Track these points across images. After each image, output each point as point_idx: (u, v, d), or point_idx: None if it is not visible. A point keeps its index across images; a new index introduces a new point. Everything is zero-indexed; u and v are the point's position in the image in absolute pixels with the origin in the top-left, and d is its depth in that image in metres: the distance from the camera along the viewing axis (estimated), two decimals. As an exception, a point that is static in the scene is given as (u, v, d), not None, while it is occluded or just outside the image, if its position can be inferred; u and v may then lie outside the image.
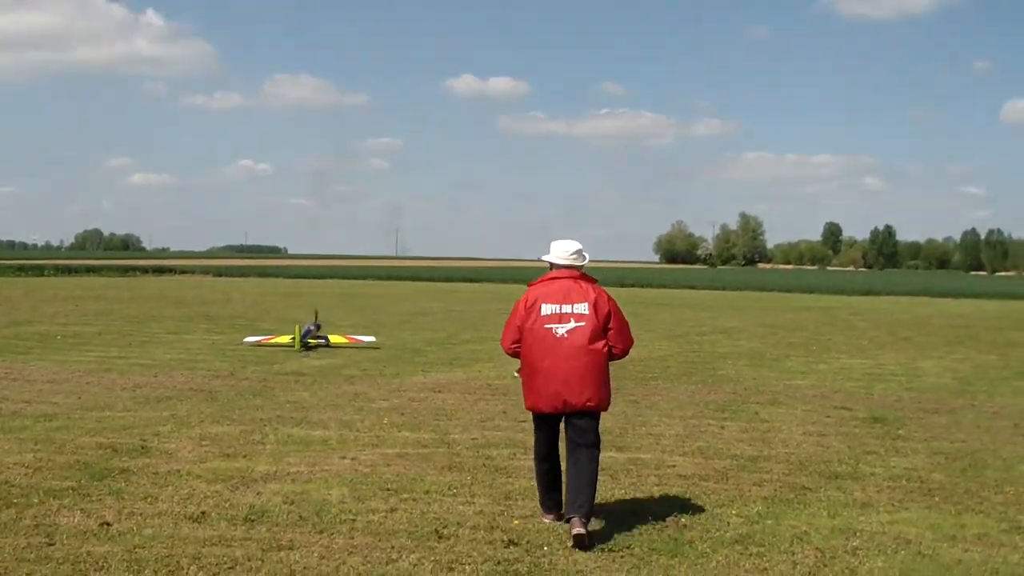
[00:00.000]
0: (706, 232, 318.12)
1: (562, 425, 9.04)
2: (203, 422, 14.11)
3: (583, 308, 8.89)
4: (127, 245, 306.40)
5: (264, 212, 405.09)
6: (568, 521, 8.65)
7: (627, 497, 10.14)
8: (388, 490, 10.18)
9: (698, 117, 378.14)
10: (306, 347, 25.28)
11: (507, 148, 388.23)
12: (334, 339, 26.56)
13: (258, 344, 26.08)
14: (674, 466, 11.70)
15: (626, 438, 13.48)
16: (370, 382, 19.05)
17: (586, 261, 9.30)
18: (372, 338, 27.51)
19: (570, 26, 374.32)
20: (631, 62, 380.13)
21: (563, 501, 9.03)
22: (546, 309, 8.93)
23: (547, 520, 9.18)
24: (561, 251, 9.24)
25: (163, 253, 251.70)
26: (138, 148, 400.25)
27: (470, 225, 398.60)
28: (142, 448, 12.11)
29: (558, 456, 9.22)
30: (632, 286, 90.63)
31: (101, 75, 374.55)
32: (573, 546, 8.38)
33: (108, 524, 8.71)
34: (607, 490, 10.34)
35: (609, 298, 9.06)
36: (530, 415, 9.31)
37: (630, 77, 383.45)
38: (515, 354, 9.21)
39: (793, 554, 8.38)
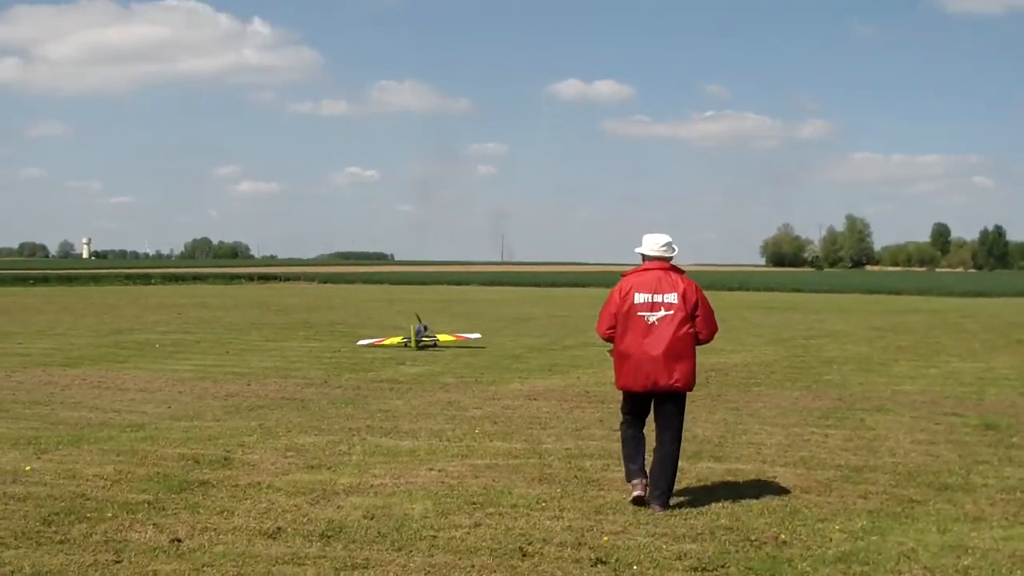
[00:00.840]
0: (813, 234, 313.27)
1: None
2: (290, 432, 13.89)
3: (673, 298, 9.82)
4: (235, 253, 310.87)
5: (371, 219, 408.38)
6: (648, 504, 9.78)
7: (724, 511, 9.64)
8: (473, 504, 9.81)
9: (803, 118, 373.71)
10: (420, 347, 27.03)
11: (612, 152, 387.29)
12: (442, 338, 28.35)
13: (372, 346, 27.54)
14: (775, 477, 11.18)
15: (725, 447, 12.99)
16: (465, 390, 18.76)
17: (675, 253, 10.14)
18: (478, 335, 29.91)
19: (674, 28, 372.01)
20: (735, 63, 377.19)
21: (646, 471, 10.05)
22: (639, 298, 9.88)
23: (634, 490, 9.92)
24: (653, 243, 10.11)
25: (270, 261, 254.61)
26: (246, 157, 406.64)
27: (575, 229, 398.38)
28: (225, 460, 11.88)
29: (643, 431, 10.28)
30: (738, 289, 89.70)
31: (209, 85, 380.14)
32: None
33: (179, 540, 8.43)
34: (703, 503, 9.87)
35: (697, 288, 9.94)
36: (621, 395, 10.42)
37: (734, 79, 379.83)
38: (609, 339, 10.16)
39: (900, 573, 7.85)
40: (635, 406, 10.28)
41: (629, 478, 10.17)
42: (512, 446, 12.99)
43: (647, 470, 10.08)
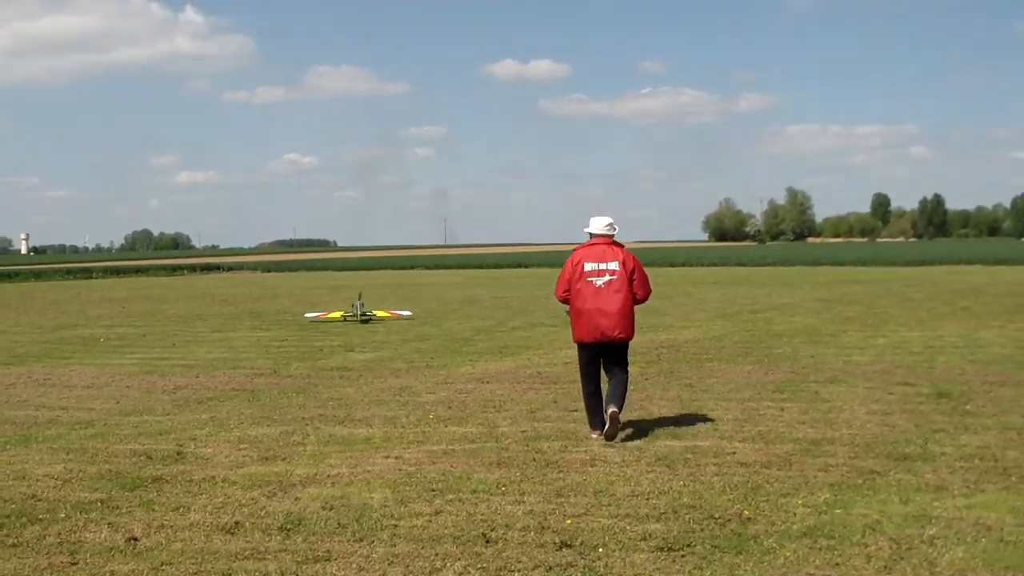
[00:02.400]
0: (754, 208, 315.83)
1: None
2: (242, 424, 13.71)
3: (615, 265, 12.33)
4: (177, 244, 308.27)
5: (312, 206, 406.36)
6: (606, 412, 12.16)
7: (686, 489, 9.59)
8: (433, 491, 9.70)
9: (740, 92, 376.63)
10: (365, 320, 30.83)
11: (550, 131, 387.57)
12: (378, 313, 32.32)
13: (317, 320, 31.48)
14: (734, 453, 11.15)
15: (682, 425, 12.94)
16: (417, 375, 18.62)
17: (617, 231, 12.72)
18: (408, 312, 33.46)
19: (609, 5, 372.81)
20: (671, 40, 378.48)
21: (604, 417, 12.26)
22: (588, 266, 12.38)
23: (594, 436, 12.32)
24: (598, 224, 12.67)
25: (212, 251, 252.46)
26: (184, 147, 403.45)
27: (516, 210, 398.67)
28: (177, 454, 11.69)
29: (599, 382, 12.60)
30: (683, 265, 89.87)
31: (143, 75, 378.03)
32: (606, 431, 12.06)
33: (135, 539, 8.26)
34: (664, 482, 9.83)
35: (634, 258, 12.49)
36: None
37: (671, 55, 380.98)
38: (565, 300, 12.60)
39: (866, 546, 7.82)
40: (590, 357, 12.55)
41: (592, 427, 12.49)
42: (468, 430, 12.89)
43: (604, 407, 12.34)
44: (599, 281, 12.27)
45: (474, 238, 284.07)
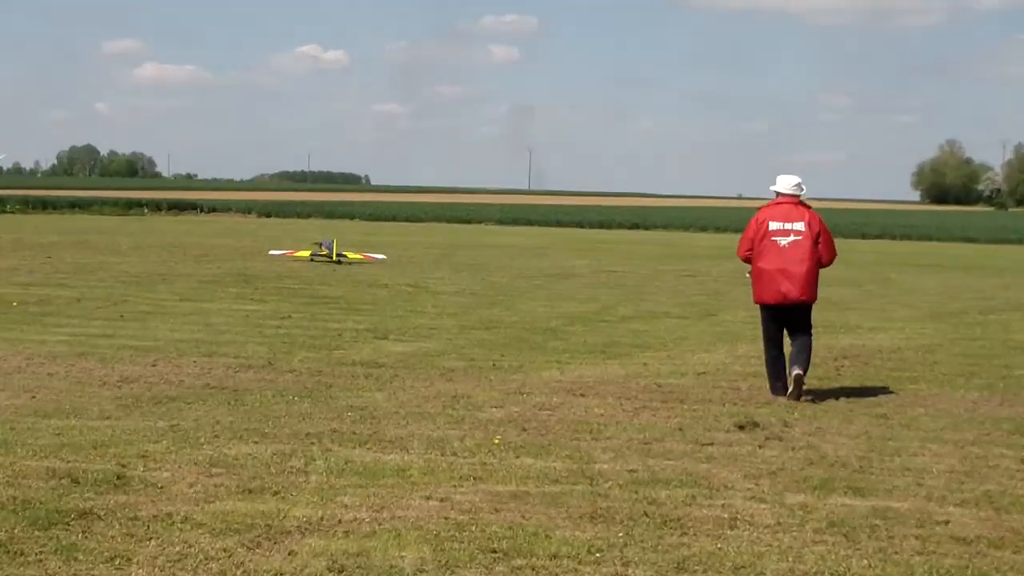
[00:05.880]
0: (992, 158, 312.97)
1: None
2: (217, 438, 13.81)
3: (800, 226, 17.21)
4: (134, 170, 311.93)
5: (335, 124, 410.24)
6: (789, 375, 17.20)
7: (871, 572, 9.50)
8: (494, 552, 9.74)
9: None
10: (339, 261, 39.15)
11: (691, 30, 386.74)
12: (351, 255, 40.91)
13: (283, 257, 37.99)
14: (947, 522, 11.08)
15: (870, 475, 12.86)
16: (478, 378, 18.71)
17: (804, 192, 17.77)
18: (383, 256, 41.87)
19: None
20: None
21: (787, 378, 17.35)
22: (773, 225, 17.26)
23: (779, 398, 17.16)
24: (785, 183, 17.59)
25: (186, 183, 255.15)
26: (151, 28, 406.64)
27: (636, 144, 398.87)
28: (118, 478, 11.80)
29: (782, 345, 17.66)
30: (879, 237, 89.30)
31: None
32: (792, 392, 17.01)
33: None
34: (840, 559, 9.74)
35: (820, 219, 17.51)
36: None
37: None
38: (747, 260, 17.63)
39: None
40: (772, 319, 17.66)
41: (774, 392, 17.44)
42: (549, 465, 12.95)
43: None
44: (784, 241, 17.11)
45: (570, 182, 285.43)
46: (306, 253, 41.56)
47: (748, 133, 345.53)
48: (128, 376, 18.07)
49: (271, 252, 43.04)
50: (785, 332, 17.81)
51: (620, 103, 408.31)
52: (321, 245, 41.41)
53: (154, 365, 19.20)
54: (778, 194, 17.79)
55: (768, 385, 17.63)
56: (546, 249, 60.31)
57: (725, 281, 38.87)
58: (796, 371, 16.94)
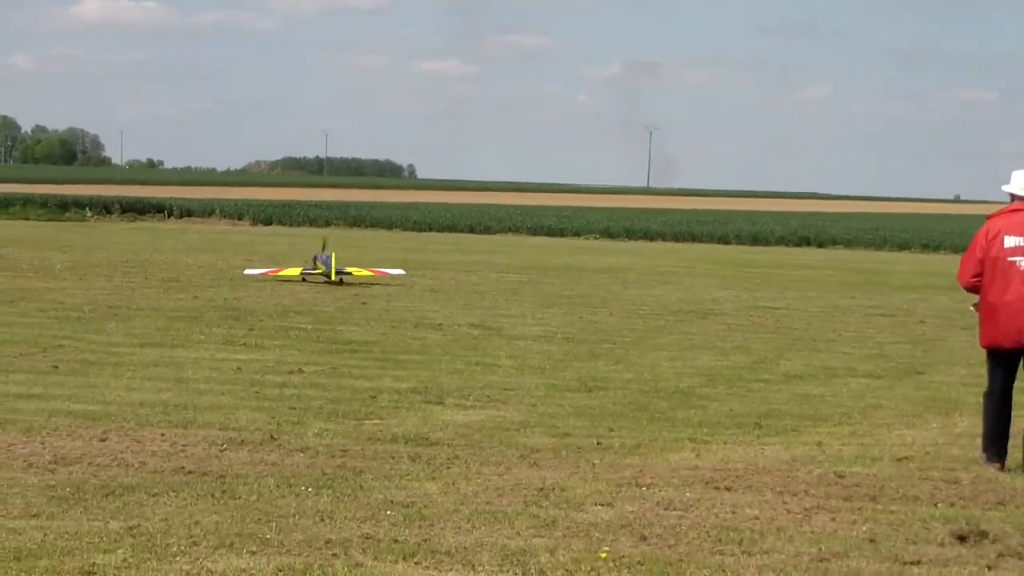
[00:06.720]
0: None
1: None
2: (196, 546, 13.82)
3: None
4: (72, 154, 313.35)
5: (364, 90, 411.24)
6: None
7: None
8: None
9: None
10: (340, 280, 41.91)
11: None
12: (356, 272, 43.53)
13: (264, 277, 39.17)
14: None
15: None
16: (575, 463, 18.72)
17: None
18: (401, 271, 44.30)
19: None
20: None
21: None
22: (1010, 241, 16.99)
23: (993, 469, 17.43)
24: None
25: (148, 173, 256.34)
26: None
27: (803, 122, 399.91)
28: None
29: (1011, 399, 17.97)
30: None
31: None
32: None
33: None
34: None
35: None
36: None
37: None
38: (974, 288, 17.52)
39: None
40: (1004, 369, 17.81)
41: (988, 459, 17.78)
42: (682, 594, 12.87)
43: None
44: None
45: (708, 178, 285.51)
46: (295, 271, 43.25)
47: (971, 106, 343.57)
48: (65, 455, 18.12)
49: (247, 271, 44.59)
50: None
51: (778, 60, 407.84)
52: (316, 260, 43.30)
53: (103, 440, 19.24)
54: (1014, 197, 17.70)
55: (982, 453, 18.03)
56: (673, 275, 60.47)
57: (938, 323, 38.89)
58: None
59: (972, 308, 18.23)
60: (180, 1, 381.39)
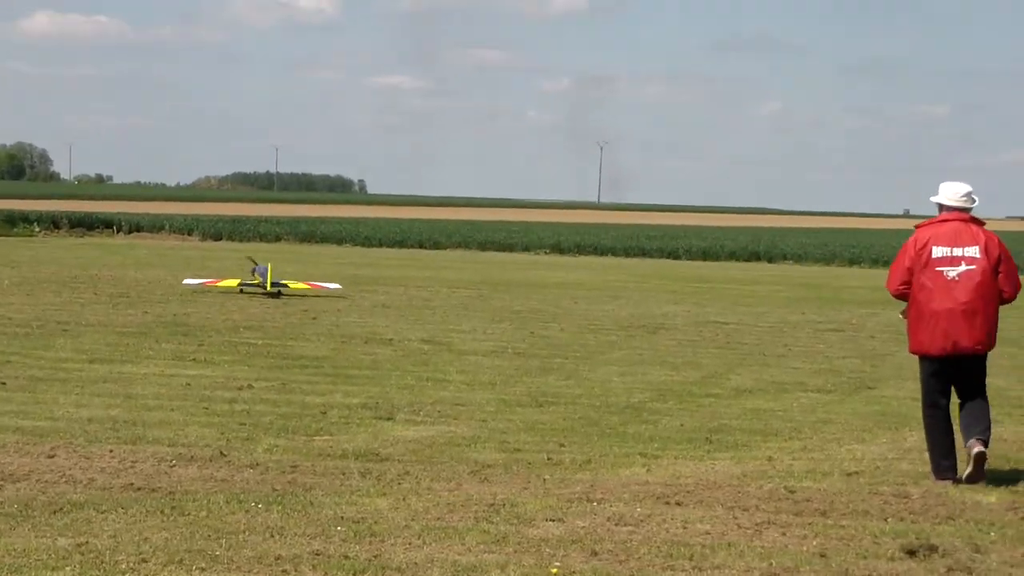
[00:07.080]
0: None
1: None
2: (145, 563, 13.78)
3: (974, 251, 17.53)
4: (20, 169, 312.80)
5: (316, 104, 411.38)
6: (970, 452, 17.53)
7: None
8: None
9: None
10: (277, 293, 43.53)
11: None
12: (293, 285, 44.90)
13: (203, 287, 40.82)
14: None
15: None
16: (526, 478, 18.74)
17: (975, 204, 18.04)
18: (337, 285, 45.24)
19: None
20: None
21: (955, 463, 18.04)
22: (937, 251, 17.56)
23: (943, 484, 17.56)
24: (952, 192, 17.87)
25: (96, 188, 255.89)
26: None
27: (754, 135, 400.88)
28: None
29: (948, 406, 18.16)
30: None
31: None
32: (970, 474, 17.49)
33: None
34: None
35: (999, 242, 17.58)
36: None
37: None
38: (902, 296, 18.09)
39: None
40: (936, 378, 18.12)
41: (938, 473, 17.98)
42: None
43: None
44: (953, 272, 17.58)
45: (659, 193, 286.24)
46: (233, 283, 44.65)
47: (922, 120, 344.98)
48: (13, 472, 18.07)
49: (186, 281, 46.29)
50: (953, 393, 18.35)
51: (732, 75, 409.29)
52: (254, 272, 44.90)
53: (51, 456, 19.20)
54: (942, 207, 18.20)
55: (931, 467, 18.21)
56: (624, 290, 60.55)
57: (887, 338, 39.07)
58: (977, 448, 17.40)
59: (900, 316, 18.88)
60: (131, 15, 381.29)
